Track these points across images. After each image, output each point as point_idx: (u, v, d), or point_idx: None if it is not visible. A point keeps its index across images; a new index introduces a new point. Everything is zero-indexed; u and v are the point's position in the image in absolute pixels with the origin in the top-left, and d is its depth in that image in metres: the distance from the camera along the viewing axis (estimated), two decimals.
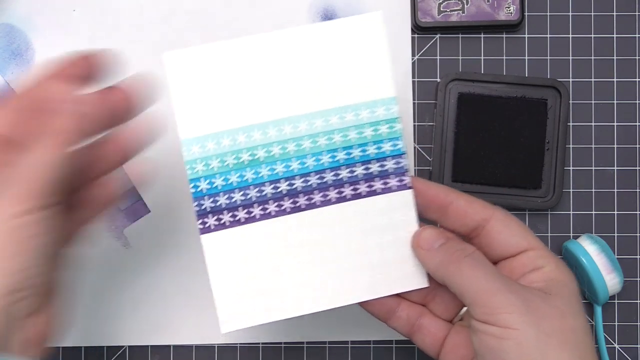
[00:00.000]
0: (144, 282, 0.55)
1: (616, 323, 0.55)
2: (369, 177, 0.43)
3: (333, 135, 0.43)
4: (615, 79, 0.56)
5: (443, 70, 0.56)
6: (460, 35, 0.56)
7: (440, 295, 0.44)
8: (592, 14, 0.56)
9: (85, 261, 0.55)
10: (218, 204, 0.43)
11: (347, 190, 0.43)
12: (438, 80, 0.56)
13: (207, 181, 0.43)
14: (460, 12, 0.55)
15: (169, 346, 0.55)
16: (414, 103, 0.56)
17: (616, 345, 0.55)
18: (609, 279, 0.52)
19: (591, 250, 0.52)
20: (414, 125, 0.56)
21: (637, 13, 0.56)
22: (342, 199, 0.43)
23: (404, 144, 0.43)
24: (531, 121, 0.54)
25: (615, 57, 0.56)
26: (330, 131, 0.43)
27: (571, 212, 0.55)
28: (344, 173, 0.43)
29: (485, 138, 0.54)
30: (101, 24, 0.55)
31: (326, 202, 0.43)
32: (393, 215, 0.43)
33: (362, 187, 0.43)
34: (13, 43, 0.55)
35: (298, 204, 0.43)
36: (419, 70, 0.56)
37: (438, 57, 0.56)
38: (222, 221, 0.43)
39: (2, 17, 0.55)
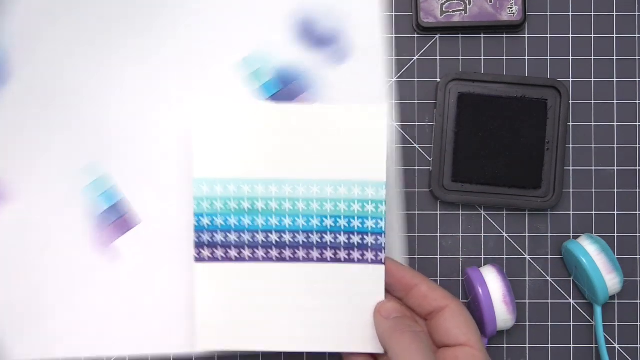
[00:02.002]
0: (136, 292, 0.54)
1: (616, 323, 0.55)
2: (349, 246, 0.49)
3: (325, 203, 0.49)
4: (615, 79, 0.56)
5: (443, 70, 0.56)
6: (460, 36, 0.56)
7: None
8: (592, 14, 0.56)
9: (76, 274, 0.54)
10: (214, 239, 0.49)
11: (328, 253, 0.49)
12: (438, 80, 0.56)
13: (209, 218, 0.49)
14: (463, 12, 0.54)
15: (168, 352, 0.55)
16: (414, 103, 0.56)
17: (616, 345, 0.55)
18: (609, 279, 0.52)
19: (591, 250, 0.52)
20: (415, 125, 0.56)
21: (637, 13, 0.56)
22: (322, 260, 0.49)
23: (385, 224, 0.48)
24: (531, 121, 0.54)
25: (615, 57, 0.56)
26: (323, 199, 0.49)
27: (571, 212, 0.55)
28: (328, 238, 0.49)
29: (485, 138, 0.54)
30: (83, 31, 0.54)
31: (308, 260, 0.49)
32: (364, 284, 0.49)
33: (342, 254, 0.49)
34: None
35: (283, 256, 0.49)
36: (419, 70, 0.56)
37: (438, 57, 0.56)
38: (216, 255, 0.49)
39: None
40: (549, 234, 0.55)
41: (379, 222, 0.49)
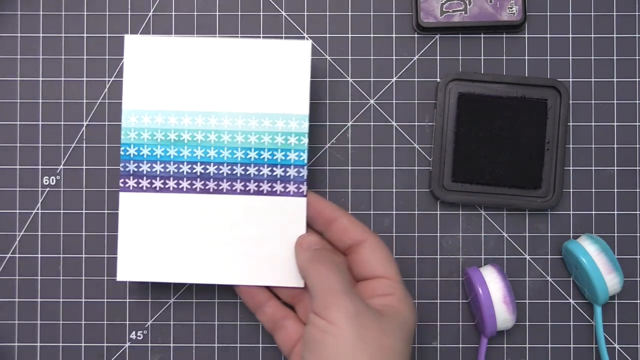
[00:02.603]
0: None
1: (616, 323, 0.55)
2: (272, 179, 0.50)
3: (249, 136, 0.50)
4: (615, 79, 0.56)
5: (443, 70, 0.56)
6: (460, 36, 0.56)
7: (307, 299, 0.49)
8: (592, 14, 0.56)
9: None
10: (140, 169, 0.50)
11: (252, 186, 0.50)
12: (438, 80, 0.56)
13: (136, 148, 0.50)
14: (463, 12, 0.54)
15: (169, 346, 0.55)
16: (413, 103, 0.56)
17: (616, 345, 0.55)
18: (609, 279, 0.52)
19: (591, 250, 0.52)
20: (415, 125, 0.56)
21: (637, 13, 0.56)
22: (245, 192, 0.50)
23: (307, 156, 0.50)
24: (531, 121, 0.54)
25: (615, 57, 0.56)
26: (248, 131, 0.50)
27: (571, 212, 0.55)
28: (252, 170, 0.50)
29: (485, 138, 0.54)
30: None
31: (231, 192, 0.50)
32: (286, 217, 0.50)
33: (265, 186, 0.50)
34: None
35: (207, 187, 0.50)
36: (419, 70, 0.56)
37: (438, 57, 0.56)
38: (141, 185, 0.50)
39: None
40: (549, 234, 0.55)
41: (302, 154, 0.50)
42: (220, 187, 0.50)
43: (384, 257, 0.47)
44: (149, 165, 0.50)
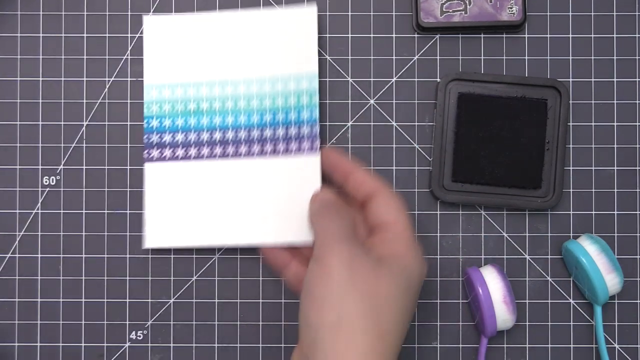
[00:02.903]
0: None
1: (616, 323, 0.55)
2: (287, 139, 0.52)
3: (264, 100, 0.53)
4: (615, 79, 0.56)
5: (443, 70, 0.56)
6: (460, 36, 0.56)
7: None
8: (592, 14, 0.56)
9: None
10: (163, 140, 0.53)
11: (268, 147, 0.52)
12: (438, 80, 0.56)
13: (158, 120, 0.53)
14: (463, 12, 0.54)
15: (169, 346, 0.55)
16: (413, 103, 0.56)
17: (616, 345, 0.55)
18: (609, 279, 0.52)
19: (591, 250, 0.52)
20: (415, 125, 0.56)
21: (637, 13, 0.56)
22: (262, 154, 0.52)
23: (318, 113, 0.52)
24: (531, 121, 0.54)
25: (615, 57, 0.56)
26: (262, 95, 0.53)
27: (571, 212, 0.55)
28: (268, 132, 0.52)
29: (485, 138, 0.54)
30: None
31: (249, 155, 0.52)
32: (302, 174, 0.52)
33: (281, 147, 0.52)
34: None
35: (227, 152, 0.52)
36: (419, 70, 0.56)
37: (438, 57, 0.56)
38: (164, 155, 0.53)
39: None
40: (549, 234, 0.55)
41: (313, 111, 0.52)
42: (239, 152, 0.52)
43: (395, 207, 0.48)
44: (171, 135, 0.53)
